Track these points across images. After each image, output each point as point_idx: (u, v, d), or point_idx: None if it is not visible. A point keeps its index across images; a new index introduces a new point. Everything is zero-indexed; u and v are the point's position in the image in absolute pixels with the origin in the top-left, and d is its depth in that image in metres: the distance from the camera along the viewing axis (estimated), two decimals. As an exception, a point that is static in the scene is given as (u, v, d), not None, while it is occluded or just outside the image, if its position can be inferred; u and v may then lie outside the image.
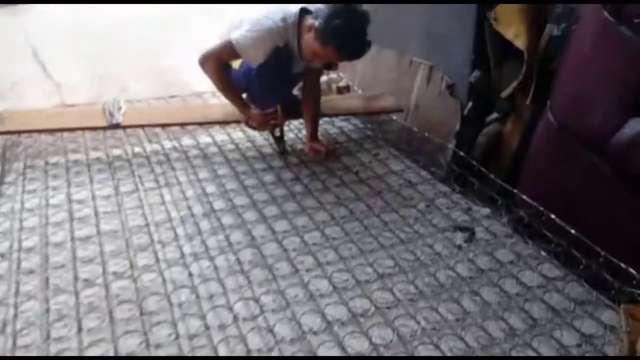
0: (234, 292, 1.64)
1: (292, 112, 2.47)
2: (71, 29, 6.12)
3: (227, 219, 2.00)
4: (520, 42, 2.25)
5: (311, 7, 2.12)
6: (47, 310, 1.54)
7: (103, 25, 5.74)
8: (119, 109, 2.47)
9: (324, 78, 3.14)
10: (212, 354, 1.42)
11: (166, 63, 4.15)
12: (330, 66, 2.31)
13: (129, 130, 2.44)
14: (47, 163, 2.29)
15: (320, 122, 2.63)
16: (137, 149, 2.41)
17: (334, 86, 3.06)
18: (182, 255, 1.79)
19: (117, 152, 2.39)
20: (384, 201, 2.17)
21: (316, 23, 2.00)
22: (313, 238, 1.92)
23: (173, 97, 2.84)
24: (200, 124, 2.51)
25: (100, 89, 4.27)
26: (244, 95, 2.40)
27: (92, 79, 4.80)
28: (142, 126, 2.45)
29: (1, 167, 2.22)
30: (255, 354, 1.43)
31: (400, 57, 2.96)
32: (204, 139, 2.56)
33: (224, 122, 2.52)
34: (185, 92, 3.00)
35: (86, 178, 2.21)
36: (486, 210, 2.13)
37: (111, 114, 2.43)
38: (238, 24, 2.14)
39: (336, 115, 2.73)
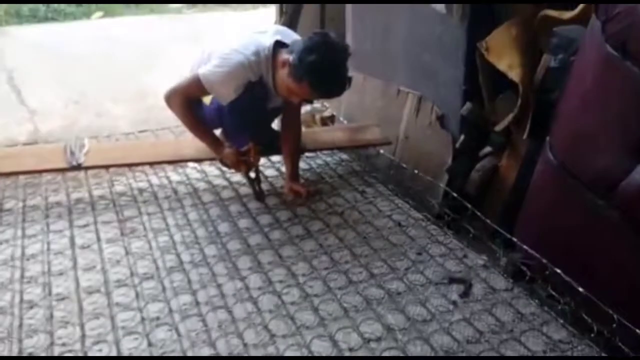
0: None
1: (271, 148, 2.28)
2: (49, 52, 5.93)
3: (193, 275, 1.79)
4: (514, 74, 2.10)
5: (288, 39, 1.95)
6: None
7: (82, 49, 5.55)
8: (82, 146, 2.27)
9: (307, 107, 2.98)
10: None
11: (146, 87, 3.96)
12: (309, 101, 2.15)
13: (92, 171, 2.23)
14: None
15: (304, 154, 2.45)
16: (99, 192, 2.21)
17: (317, 117, 2.88)
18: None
19: (77, 195, 2.18)
20: (372, 249, 1.98)
21: (290, 58, 1.83)
22: (291, 296, 1.72)
23: (143, 132, 2.64)
24: (171, 162, 2.31)
25: (75, 114, 4.08)
26: (219, 132, 2.22)
27: (67, 104, 4.60)
28: (106, 166, 2.24)
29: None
30: None
31: (387, 86, 2.80)
32: (175, 177, 2.36)
33: (196, 160, 2.33)
34: (165, 117, 2.79)
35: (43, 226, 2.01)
36: (482, 259, 1.94)
37: (72, 154, 2.22)
38: (206, 58, 1.97)
39: (319, 149, 2.55)
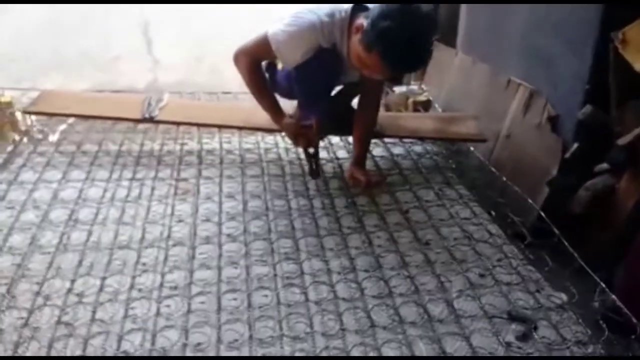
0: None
1: (343, 127, 2.07)
2: (188, 9, 6.27)
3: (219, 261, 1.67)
4: (654, 77, 1.64)
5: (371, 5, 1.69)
6: None
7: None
8: (160, 101, 2.27)
9: (402, 88, 2.69)
10: None
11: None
12: (394, 79, 1.88)
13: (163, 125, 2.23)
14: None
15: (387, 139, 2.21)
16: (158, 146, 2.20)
17: (410, 100, 2.59)
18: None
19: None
20: (426, 259, 1.70)
21: (364, 23, 1.58)
22: (316, 293, 1.53)
23: (226, 94, 2.58)
24: (240, 128, 2.22)
25: (193, 69, 4.26)
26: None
27: (188, 59, 4.81)
28: (175, 123, 2.22)
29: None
30: None
31: (496, 75, 2.41)
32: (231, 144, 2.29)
33: (266, 130, 2.20)
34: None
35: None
36: (562, 297, 1.57)
37: (149, 106, 2.23)
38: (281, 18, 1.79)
39: (400, 137, 2.28)
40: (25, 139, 2.24)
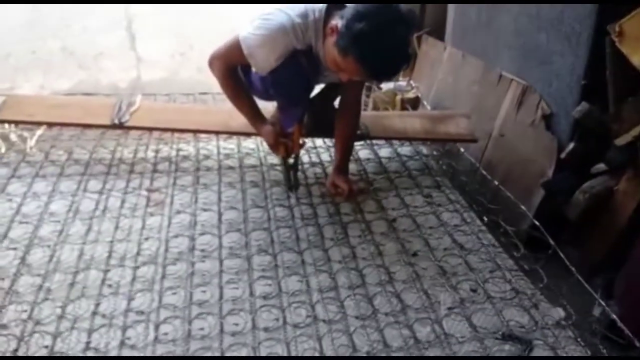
0: None
1: (324, 130, 1.94)
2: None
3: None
4: (653, 72, 1.52)
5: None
6: None
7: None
8: (130, 105, 2.14)
9: (389, 85, 2.57)
10: None
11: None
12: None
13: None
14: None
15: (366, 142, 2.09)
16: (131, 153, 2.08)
17: (398, 97, 2.46)
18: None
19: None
20: (414, 272, 1.59)
21: (339, 24, 1.45)
22: (297, 315, 1.41)
23: (204, 94, 2.45)
24: (216, 132, 2.09)
25: (178, 67, 4.13)
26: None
27: (173, 55, 4.67)
28: (147, 129, 2.09)
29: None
30: None
31: (488, 70, 2.28)
32: (208, 148, 2.17)
33: (243, 134, 2.08)
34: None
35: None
36: (559, 313, 1.47)
37: (119, 110, 2.10)
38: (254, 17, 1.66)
39: (387, 138, 2.16)
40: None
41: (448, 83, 2.50)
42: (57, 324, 1.33)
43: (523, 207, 1.83)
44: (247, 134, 2.08)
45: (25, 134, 2.19)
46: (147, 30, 5.33)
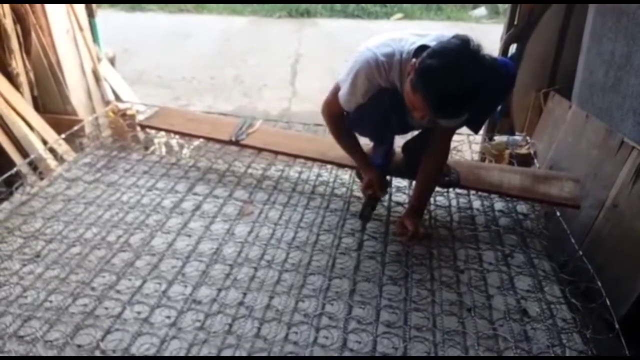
0: None
1: (415, 172, 1.96)
2: (339, 43, 6.60)
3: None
4: None
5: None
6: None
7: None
8: (251, 126, 2.42)
9: (503, 138, 2.48)
10: None
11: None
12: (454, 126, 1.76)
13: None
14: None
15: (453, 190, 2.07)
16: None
17: (508, 151, 2.36)
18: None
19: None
20: (462, 327, 1.52)
21: (417, 62, 1.50)
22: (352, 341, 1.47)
23: (318, 126, 2.63)
24: (313, 159, 2.25)
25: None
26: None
27: (322, 91, 5.05)
28: (256, 148, 2.34)
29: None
30: None
31: (609, 134, 2.09)
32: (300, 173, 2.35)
33: (338, 164, 2.21)
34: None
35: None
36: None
37: (240, 129, 2.40)
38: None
39: (477, 189, 2.09)
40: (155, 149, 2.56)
41: (568, 143, 2.33)
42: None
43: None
44: (341, 165, 2.21)
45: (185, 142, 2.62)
46: (309, 67, 5.88)
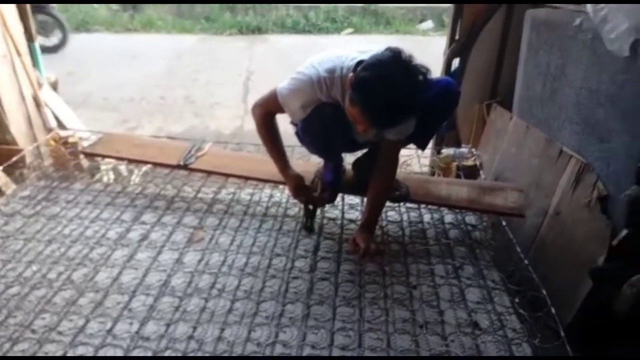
0: None
1: (365, 188, 1.97)
2: (290, 59, 6.62)
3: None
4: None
5: None
6: None
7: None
8: (199, 149, 2.38)
9: (450, 151, 2.54)
10: None
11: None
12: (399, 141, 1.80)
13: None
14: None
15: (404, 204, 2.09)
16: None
17: (455, 164, 2.41)
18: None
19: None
20: (416, 345, 1.53)
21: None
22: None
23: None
24: (265, 181, 2.24)
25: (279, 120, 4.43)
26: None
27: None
28: (206, 171, 2.30)
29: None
30: None
31: (549, 143, 2.17)
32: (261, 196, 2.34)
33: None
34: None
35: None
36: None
37: (189, 153, 2.35)
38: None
39: (427, 203, 2.12)
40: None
41: (511, 154, 2.40)
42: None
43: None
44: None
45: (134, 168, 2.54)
46: (261, 84, 5.85)
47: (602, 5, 1.74)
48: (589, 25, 1.86)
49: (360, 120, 1.53)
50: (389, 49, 1.51)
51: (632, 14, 1.64)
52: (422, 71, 1.47)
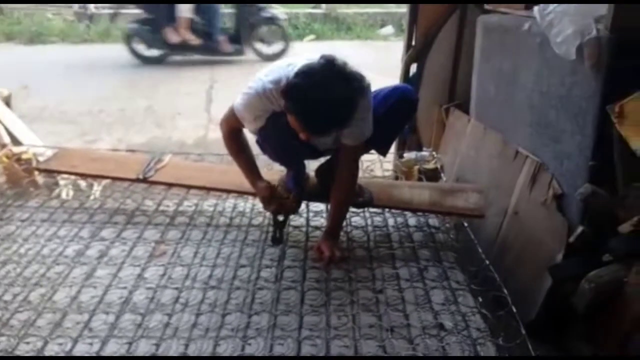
0: None
1: (327, 195, 1.97)
2: (252, 68, 6.60)
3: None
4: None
5: None
6: None
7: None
8: (159, 161, 2.34)
9: (411, 154, 2.57)
10: None
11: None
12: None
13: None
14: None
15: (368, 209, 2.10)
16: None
17: (417, 167, 2.45)
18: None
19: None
20: (383, 351, 1.53)
21: None
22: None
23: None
24: (228, 191, 2.21)
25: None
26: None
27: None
28: (167, 184, 2.26)
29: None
30: None
31: (506, 144, 2.22)
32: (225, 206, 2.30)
33: (254, 194, 2.18)
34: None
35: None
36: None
37: (148, 166, 2.30)
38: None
39: (390, 207, 2.15)
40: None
41: (470, 156, 2.45)
42: None
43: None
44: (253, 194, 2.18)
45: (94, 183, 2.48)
46: (225, 93, 5.80)
47: (549, 10, 1.80)
48: (537, 30, 1.92)
49: (297, 126, 1.54)
50: (322, 57, 1.53)
51: (577, 18, 1.70)
52: (357, 77, 1.50)
